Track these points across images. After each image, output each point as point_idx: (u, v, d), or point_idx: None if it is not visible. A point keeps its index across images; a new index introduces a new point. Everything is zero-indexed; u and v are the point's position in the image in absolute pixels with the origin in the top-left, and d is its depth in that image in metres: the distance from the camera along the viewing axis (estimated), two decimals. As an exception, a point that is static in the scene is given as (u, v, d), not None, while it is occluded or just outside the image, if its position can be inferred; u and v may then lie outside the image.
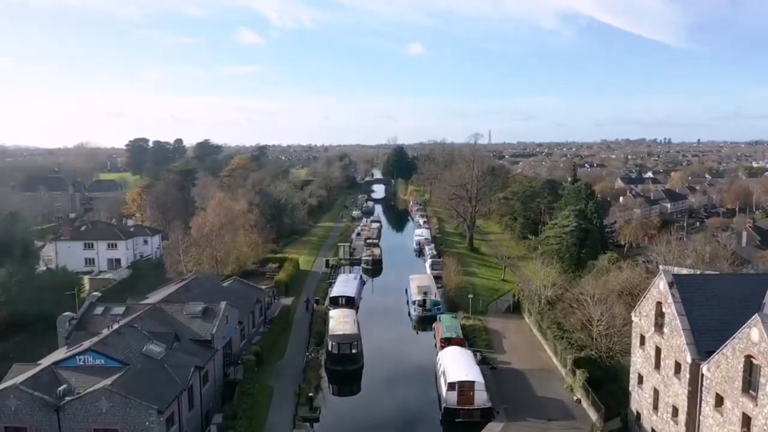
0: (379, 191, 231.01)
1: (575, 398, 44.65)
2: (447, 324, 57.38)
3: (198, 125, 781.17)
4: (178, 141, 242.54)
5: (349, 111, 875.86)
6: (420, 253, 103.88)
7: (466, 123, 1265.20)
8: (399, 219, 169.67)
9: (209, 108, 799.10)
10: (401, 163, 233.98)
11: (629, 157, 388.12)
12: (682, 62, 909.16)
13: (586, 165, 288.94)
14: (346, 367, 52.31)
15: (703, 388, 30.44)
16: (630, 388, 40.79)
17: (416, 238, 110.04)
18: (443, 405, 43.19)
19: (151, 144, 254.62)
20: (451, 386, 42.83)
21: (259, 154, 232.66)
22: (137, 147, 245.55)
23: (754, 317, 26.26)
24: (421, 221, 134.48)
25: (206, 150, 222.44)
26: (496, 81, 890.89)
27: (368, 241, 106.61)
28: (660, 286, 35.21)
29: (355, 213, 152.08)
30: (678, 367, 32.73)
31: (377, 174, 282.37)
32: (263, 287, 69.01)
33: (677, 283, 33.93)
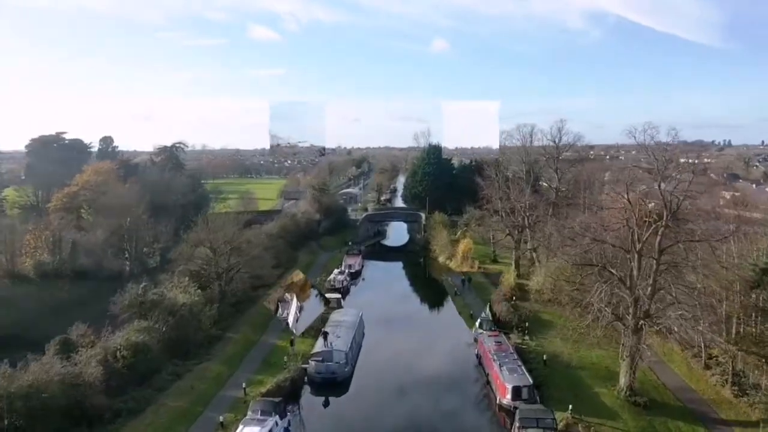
0: (396, 235, 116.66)
1: None
2: None
3: (225, 128, 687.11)
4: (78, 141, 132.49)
5: (379, 113, 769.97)
6: None
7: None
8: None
9: (237, 111, 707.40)
10: (440, 178, 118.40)
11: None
12: (720, 62, 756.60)
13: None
14: None
15: None
16: None
17: None
18: None
19: (97, 145, 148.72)
20: None
21: (169, 155, 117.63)
22: (40, 147, 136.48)
23: None
24: None
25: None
26: (524, 82, 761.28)
27: None
28: None
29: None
30: None
31: (400, 193, 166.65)
32: None
33: None
